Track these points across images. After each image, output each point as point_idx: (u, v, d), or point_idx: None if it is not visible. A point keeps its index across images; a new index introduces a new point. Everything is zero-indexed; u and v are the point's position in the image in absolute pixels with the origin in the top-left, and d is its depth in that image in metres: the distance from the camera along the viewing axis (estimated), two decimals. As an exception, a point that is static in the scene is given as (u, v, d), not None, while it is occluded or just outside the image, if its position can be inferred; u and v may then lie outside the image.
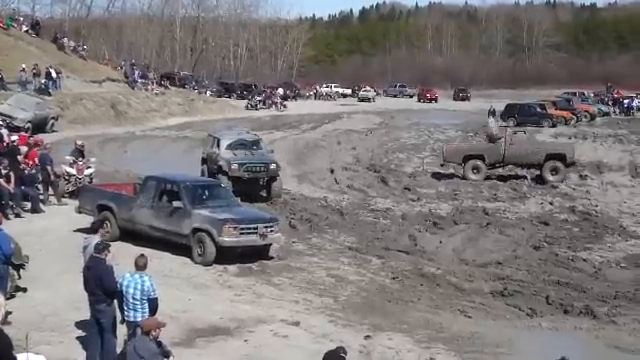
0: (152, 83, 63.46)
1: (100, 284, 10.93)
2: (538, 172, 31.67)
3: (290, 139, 44.95)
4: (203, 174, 26.20)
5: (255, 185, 25.72)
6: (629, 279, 17.58)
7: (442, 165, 33.63)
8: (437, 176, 32.49)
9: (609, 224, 23.36)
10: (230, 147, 26.01)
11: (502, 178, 31.78)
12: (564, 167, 31.32)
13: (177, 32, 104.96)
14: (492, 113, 54.07)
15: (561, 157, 31.41)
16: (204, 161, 27.40)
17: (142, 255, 11.18)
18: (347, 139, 45.77)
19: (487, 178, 31.48)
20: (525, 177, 31.87)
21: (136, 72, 63.65)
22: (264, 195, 25.79)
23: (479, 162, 31.48)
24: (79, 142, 25.54)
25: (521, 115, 56.10)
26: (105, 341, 11.14)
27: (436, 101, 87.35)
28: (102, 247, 11.35)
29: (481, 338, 13.54)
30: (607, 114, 68.64)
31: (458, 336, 13.58)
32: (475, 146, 32.38)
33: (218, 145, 26.20)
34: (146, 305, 10.71)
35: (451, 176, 32.56)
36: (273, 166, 25.83)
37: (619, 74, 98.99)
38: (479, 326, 14.33)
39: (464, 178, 31.15)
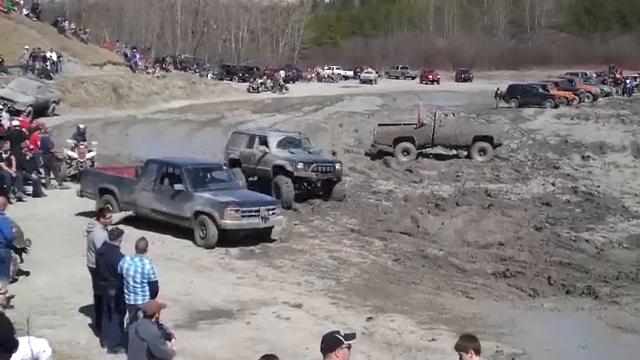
0: (152, 66, 63.27)
1: (113, 271, 10.97)
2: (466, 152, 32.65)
3: (292, 121, 44.82)
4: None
5: (317, 186, 23.84)
6: (631, 259, 17.60)
7: (373, 146, 33.87)
8: (439, 157, 32.49)
9: (611, 204, 23.37)
10: (281, 145, 23.83)
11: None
12: (492, 148, 32.39)
13: (178, 15, 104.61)
14: (499, 95, 54.05)
15: (488, 139, 32.39)
16: (234, 162, 24.40)
17: (142, 238, 11.17)
18: (349, 121, 45.61)
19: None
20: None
21: (137, 55, 63.44)
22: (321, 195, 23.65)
23: (409, 144, 32.12)
24: (81, 125, 25.52)
25: (523, 96, 55.91)
26: (113, 325, 11.22)
27: (438, 83, 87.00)
28: (117, 234, 11.37)
29: (483, 319, 13.56)
30: (609, 94, 68.39)
31: (460, 317, 13.60)
32: (404, 129, 32.76)
33: (266, 144, 23.76)
34: (147, 288, 10.72)
35: (453, 157, 32.61)
36: (339, 166, 24.07)
37: (621, 54, 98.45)
38: (481, 307, 14.35)
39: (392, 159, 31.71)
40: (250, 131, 26.23)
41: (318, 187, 23.67)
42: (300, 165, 22.69)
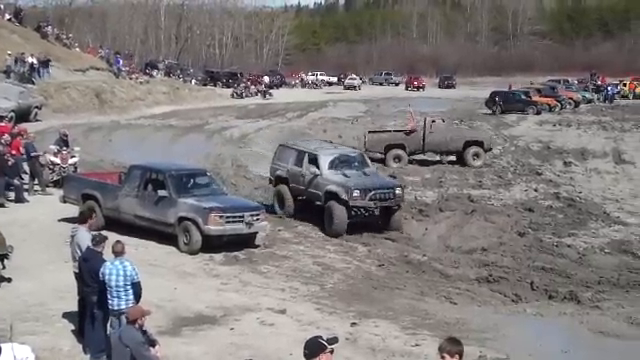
0: (139, 71, 63.22)
1: (96, 277, 10.93)
2: (454, 158, 32.96)
3: (276, 127, 44.89)
4: (280, 200, 21.82)
5: (374, 214, 20.61)
6: (613, 264, 17.72)
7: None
8: (423, 163, 32.60)
9: (593, 210, 23.51)
10: (334, 166, 21.03)
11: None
12: (484, 152, 32.71)
13: (162, 20, 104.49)
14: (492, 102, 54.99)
15: (479, 143, 32.76)
16: (280, 180, 22.20)
17: (118, 241, 11.16)
18: (333, 127, 45.74)
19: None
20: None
21: (120, 61, 63.28)
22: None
23: (400, 151, 32.20)
24: (63, 131, 25.42)
25: (506, 102, 56.27)
26: (96, 331, 11.17)
27: (423, 89, 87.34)
28: (99, 240, 11.32)
29: (466, 324, 13.60)
30: (591, 101, 68.94)
31: (443, 322, 13.64)
32: (395, 136, 32.96)
33: (315, 163, 21.04)
34: (130, 291, 10.70)
35: (436, 163, 32.75)
36: (399, 191, 20.78)
37: (603, 61, 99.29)
38: (464, 312, 14.41)
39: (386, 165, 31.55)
40: (299, 146, 22.92)
41: (375, 215, 20.65)
42: (356, 193, 19.97)
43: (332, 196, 20.17)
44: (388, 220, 20.57)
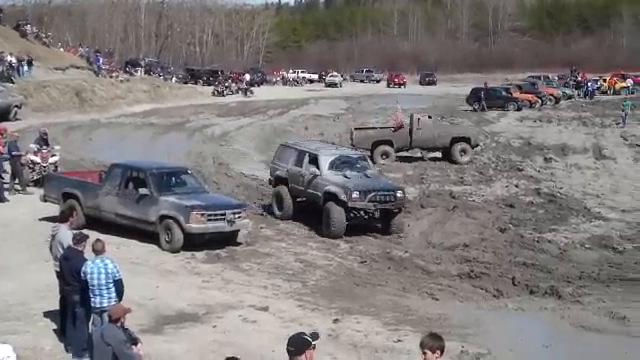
0: (115, 70, 62.95)
1: (77, 276, 10.89)
2: (439, 154, 33.23)
3: (257, 125, 44.82)
4: (279, 201, 21.41)
5: (373, 217, 20.27)
6: (593, 259, 17.84)
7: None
8: (405, 159, 32.68)
9: (573, 206, 23.65)
10: (334, 166, 20.68)
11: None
12: (470, 148, 32.91)
13: (142, 18, 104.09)
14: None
15: (466, 140, 32.92)
16: (279, 180, 21.88)
17: (98, 240, 11.16)
18: (314, 124, 45.74)
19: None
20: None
21: (100, 59, 62.99)
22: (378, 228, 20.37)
23: (388, 147, 32.28)
24: (43, 130, 25.27)
25: (486, 99, 56.47)
26: (77, 330, 11.13)
27: (404, 86, 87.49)
28: (80, 238, 11.26)
29: (448, 320, 13.65)
30: (571, 97, 69.33)
31: (425, 318, 13.68)
32: (383, 132, 33.10)
33: (316, 164, 20.70)
34: (112, 289, 10.69)
35: (418, 160, 32.85)
36: (400, 194, 20.29)
37: (583, 57, 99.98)
38: (446, 308, 14.46)
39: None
40: (299, 146, 22.69)
41: (375, 218, 20.31)
42: (355, 194, 19.55)
43: (331, 197, 19.76)
44: (388, 224, 20.07)
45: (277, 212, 21.53)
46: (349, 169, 20.72)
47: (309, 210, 21.11)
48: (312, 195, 20.69)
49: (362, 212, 19.94)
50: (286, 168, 21.63)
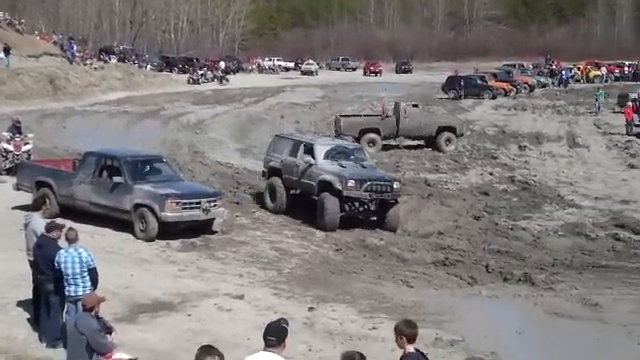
0: (89, 57, 62.42)
1: (51, 264, 10.81)
2: (423, 142, 33.56)
3: (233, 113, 44.70)
4: (272, 193, 20.95)
5: (369, 208, 19.63)
6: (566, 247, 18.02)
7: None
8: (383, 148, 32.73)
9: (547, 193, 23.86)
10: (330, 156, 20.25)
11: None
12: (455, 138, 33.29)
13: (116, 4, 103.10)
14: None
15: (452, 129, 33.29)
16: (274, 171, 21.40)
17: (71, 228, 11.10)
18: (290, 112, 45.69)
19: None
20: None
21: (74, 46, 62.43)
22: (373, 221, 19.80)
23: (374, 135, 32.34)
24: (16, 117, 25.05)
25: (462, 87, 56.69)
26: (51, 319, 11.06)
27: (380, 74, 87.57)
28: (52, 226, 11.18)
29: (423, 307, 13.74)
30: (545, 85, 69.79)
31: (400, 306, 13.75)
32: (370, 120, 33.24)
33: (311, 153, 20.29)
34: (87, 278, 10.63)
35: (394, 147, 32.91)
36: (397, 185, 19.90)
37: (557, 46, 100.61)
38: (421, 295, 14.54)
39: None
40: (294, 136, 22.52)
41: (370, 210, 19.65)
42: (351, 183, 19.00)
43: (326, 186, 19.29)
44: (384, 216, 19.46)
45: (270, 204, 21.11)
46: (345, 159, 20.31)
47: (303, 203, 20.62)
48: (306, 185, 20.26)
49: (357, 203, 19.38)
50: (280, 159, 21.17)
